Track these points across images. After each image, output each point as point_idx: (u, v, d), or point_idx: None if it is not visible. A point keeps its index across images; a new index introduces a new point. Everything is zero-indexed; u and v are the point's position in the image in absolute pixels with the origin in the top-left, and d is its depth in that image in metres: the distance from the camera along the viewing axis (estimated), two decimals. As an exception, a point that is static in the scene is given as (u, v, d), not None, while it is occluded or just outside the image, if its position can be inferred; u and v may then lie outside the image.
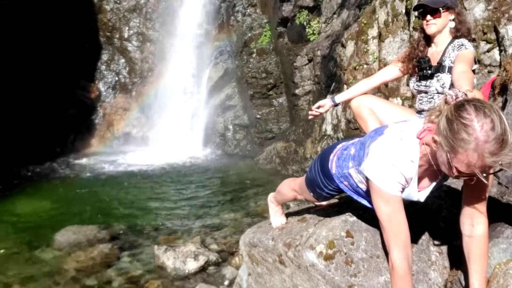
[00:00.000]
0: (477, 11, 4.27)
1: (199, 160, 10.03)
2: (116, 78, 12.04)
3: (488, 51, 4.15)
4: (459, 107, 1.39)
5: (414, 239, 1.83)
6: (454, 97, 1.45)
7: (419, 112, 2.73)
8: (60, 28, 10.69)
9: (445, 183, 2.08)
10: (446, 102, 1.47)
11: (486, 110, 1.35)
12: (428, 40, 2.68)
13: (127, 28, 12.19)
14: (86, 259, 4.66)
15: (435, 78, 2.61)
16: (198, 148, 10.88)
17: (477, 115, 1.35)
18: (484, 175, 1.40)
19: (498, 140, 1.32)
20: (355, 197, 1.96)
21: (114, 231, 5.42)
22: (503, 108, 2.24)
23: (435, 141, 1.47)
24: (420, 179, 1.69)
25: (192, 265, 4.35)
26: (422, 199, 1.75)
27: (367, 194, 1.85)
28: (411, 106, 4.56)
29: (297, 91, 8.83)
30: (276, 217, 2.54)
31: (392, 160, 1.60)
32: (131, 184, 8.04)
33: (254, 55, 10.00)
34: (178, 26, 11.81)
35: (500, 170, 1.41)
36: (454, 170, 1.42)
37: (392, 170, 1.60)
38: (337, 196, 2.35)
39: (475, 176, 1.42)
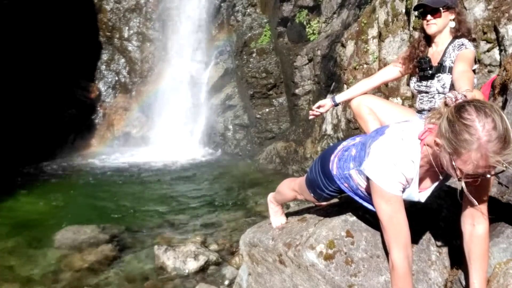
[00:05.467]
0: (477, 11, 4.27)
1: (199, 160, 10.03)
2: (116, 78, 12.04)
3: (488, 50, 4.15)
4: (460, 108, 1.40)
5: (414, 238, 1.83)
6: (453, 99, 1.45)
7: (420, 112, 2.73)
8: (60, 28, 10.69)
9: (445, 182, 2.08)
10: (446, 104, 1.47)
11: (487, 110, 1.35)
12: (429, 40, 2.68)
13: (127, 28, 12.19)
14: (86, 259, 4.65)
15: (435, 79, 2.61)
16: (198, 148, 10.89)
17: (478, 115, 1.35)
18: (488, 175, 1.40)
19: (500, 139, 1.33)
20: (357, 198, 1.96)
21: (114, 231, 5.41)
22: (503, 107, 2.24)
23: (437, 144, 1.47)
24: (421, 180, 1.69)
25: (192, 265, 4.35)
26: (422, 200, 1.75)
27: (367, 196, 1.85)
28: (411, 106, 4.56)
29: (297, 91, 8.83)
30: (276, 217, 2.54)
31: (393, 160, 1.60)
32: (131, 184, 8.04)
33: (254, 55, 10.00)
34: (178, 26, 11.81)
35: (504, 170, 1.40)
36: (458, 172, 1.42)
37: (393, 170, 1.60)
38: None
39: (479, 177, 1.41)
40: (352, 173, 1.87)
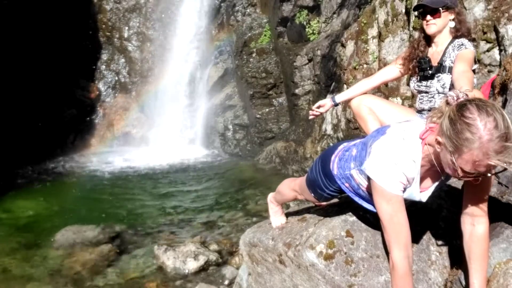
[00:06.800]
0: (477, 11, 4.27)
1: (199, 160, 10.03)
2: (116, 78, 12.03)
3: (488, 50, 4.15)
4: (461, 107, 1.40)
5: (414, 238, 1.83)
6: (455, 98, 1.45)
7: (420, 111, 2.73)
8: (60, 28, 10.68)
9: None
10: (447, 103, 1.48)
11: (488, 109, 1.35)
12: (428, 40, 2.69)
13: (127, 28, 12.18)
14: (86, 259, 4.65)
15: (435, 79, 2.62)
16: (198, 148, 10.89)
17: (480, 114, 1.35)
18: (489, 174, 1.40)
19: (502, 138, 1.33)
20: (356, 199, 1.96)
21: (114, 231, 5.41)
22: (503, 107, 2.25)
23: (438, 143, 1.47)
24: (422, 179, 1.68)
25: (192, 265, 4.35)
26: (423, 200, 1.74)
27: (368, 196, 1.85)
28: (411, 106, 4.57)
29: (297, 90, 8.83)
30: (276, 217, 2.54)
31: (394, 159, 1.60)
32: (131, 184, 8.03)
33: (254, 55, 9.99)
34: (178, 26, 11.80)
35: (505, 169, 1.40)
36: (459, 171, 1.42)
37: (394, 169, 1.60)
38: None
39: (480, 177, 1.41)
40: (353, 173, 1.87)
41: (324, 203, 2.33)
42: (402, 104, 5.32)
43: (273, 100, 9.81)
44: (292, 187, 2.38)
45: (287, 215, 2.59)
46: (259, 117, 9.74)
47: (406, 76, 2.98)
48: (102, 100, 11.77)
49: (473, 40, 2.69)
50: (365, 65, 6.32)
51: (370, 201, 1.83)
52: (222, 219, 5.89)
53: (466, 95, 1.46)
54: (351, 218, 2.13)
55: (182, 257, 4.41)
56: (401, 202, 1.65)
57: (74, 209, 6.51)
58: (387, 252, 1.80)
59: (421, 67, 2.64)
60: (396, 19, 5.88)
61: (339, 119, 6.84)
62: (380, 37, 6.11)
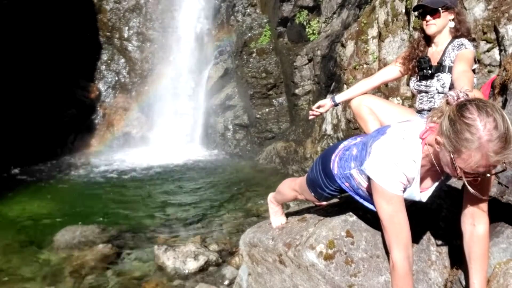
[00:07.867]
0: (477, 11, 4.27)
1: (199, 160, 10.03)
2: (116, 78, 12.03)
3: (488, 50, 4.15)
4: (461, 107, 1.40)
5: (414, 238, 1.83)
6: (455, 98, 1.45)
7: (420, 111, 2.73)
8: (60, 28, 10.69)
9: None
10: (447, 102, 1.48)
11: (488, 109, 1.35)
12: (428, 40, 2.69)
13: (127, 28, 12.19)
14: (86, 259, 4.65)
15: (435, 78, 2.62)
16: (198, 148, 10.89)
17: (480, 114, 1.35)
18: (488, 175, 1.40)
19: (501, 138, 1.33)
20: (357, 198, 1.96)
21: (114, 231, 5.41)
22: (503, 107, 2.25)
23: (438, 142, 1.47)
24: (422, 179, 1.68)
25: (192, 265, 4.34)
26: (424, 200, 1.74)
27: (368, 195, 1.85)
28: (411, 106, 4.57)
29: (297, 91, 8.83)
30: (276, 217, 2.54)
31: (394, 159, 1.60)
32: (131, 184, 8.03)
33: (254, 55, 9.99)
34: (178, 26, 11.81)
35: (504, 170, 1.40)
36: (459, 171, 1.42)
37: (394, 169, 1.60)
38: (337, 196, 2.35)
39: (479, 177, 1.41)
40: (353, 173, 1.87)
41: (324, 202, 2.33)
42: (402, 104, 5.32)
43: (273, 100, 9.81)
44: (293, 187, 2.38)
45: (287, 215, 2.59)
46: (259, 117, 9.74)
47: (406, 76, 2.98)
48: (102, 100, 11.76)
49: (473, 40, 2.69)
50: (365, 65, 6.32)
51: (370, 200, 1.83)
52: (222, 219, 5.89)
53: (467, 95, 1.46)
54: (351, 218, 2.13)
55: (182, 257, 4.40)
56: (401, 202, 1.65)
57: (74, 209, 6.50)
58: (387, 252, 1.80)
59: (421, 67, 2.64)
60: (396, 19, 5.88)
61: (339, 119, 6.84)
62: (380, 37, 6.11)
